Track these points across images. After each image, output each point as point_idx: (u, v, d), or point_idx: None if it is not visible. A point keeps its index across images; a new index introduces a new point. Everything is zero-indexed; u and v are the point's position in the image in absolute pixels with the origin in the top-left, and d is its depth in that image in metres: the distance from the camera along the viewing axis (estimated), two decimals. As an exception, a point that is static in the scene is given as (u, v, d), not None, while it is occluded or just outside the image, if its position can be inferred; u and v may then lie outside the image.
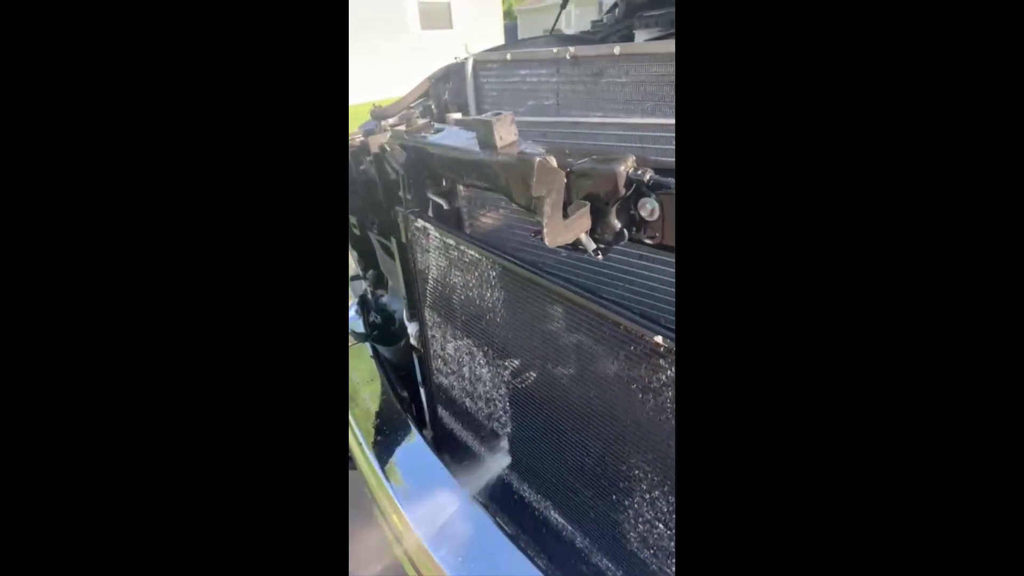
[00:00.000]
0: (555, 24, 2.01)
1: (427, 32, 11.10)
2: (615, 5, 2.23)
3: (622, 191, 0.52)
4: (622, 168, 0.51)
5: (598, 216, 0.56)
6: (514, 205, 0.98)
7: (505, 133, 0.73)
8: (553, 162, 0.56)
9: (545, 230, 0.52)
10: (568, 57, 0.83)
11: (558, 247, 0.75)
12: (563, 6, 1.97)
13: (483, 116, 0.73)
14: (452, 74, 1.11)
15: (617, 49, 0.75)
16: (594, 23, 2.02)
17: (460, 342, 0.96)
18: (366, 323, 1.54)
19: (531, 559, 0.85)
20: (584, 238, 0.57)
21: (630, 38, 1.72)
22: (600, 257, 0.57)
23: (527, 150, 0.60)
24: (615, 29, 1.82)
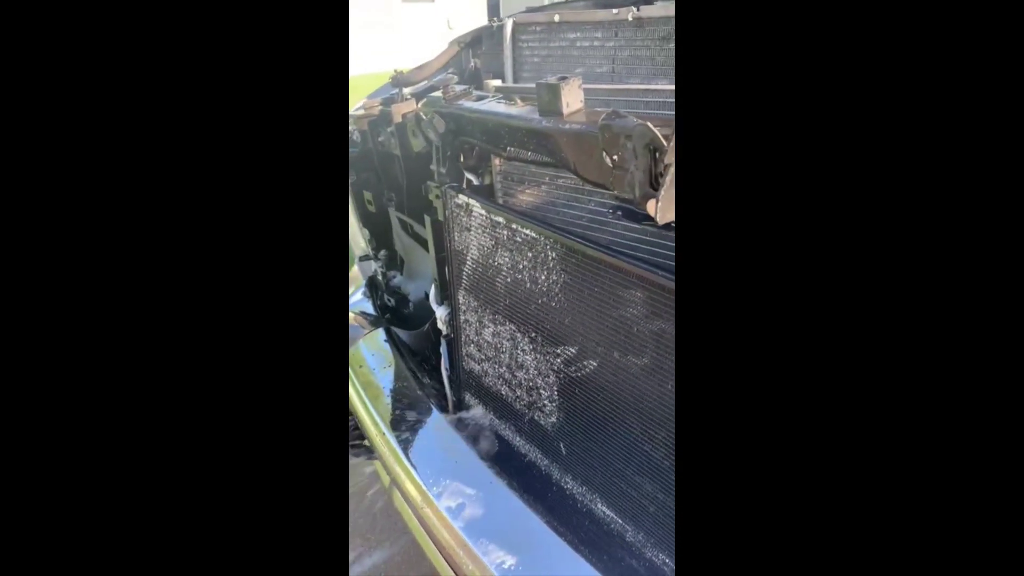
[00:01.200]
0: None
1: (408, 5, 10.72)
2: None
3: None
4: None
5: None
6: (560, 181, 0.92)
7: (573, 99, 0.66)
8: (654, 129, 0.50)
9: (660, 204, 0.46)
10: (630, 19, 0.76)
11: (629, 223, 0.69)
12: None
13: (547, 80, 0.66)
14: (485, 38, 1.02)
15: (693, 10, 0.69)
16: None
17: (501, 327, 0.90)
18: (375, 305, 1.46)
19: (573, 547, 0.81)
20: (686, 215, 0.51)
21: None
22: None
23: (618, 118, 0.54)
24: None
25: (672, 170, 0.45)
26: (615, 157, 0.56)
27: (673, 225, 0.55)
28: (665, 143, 0.50)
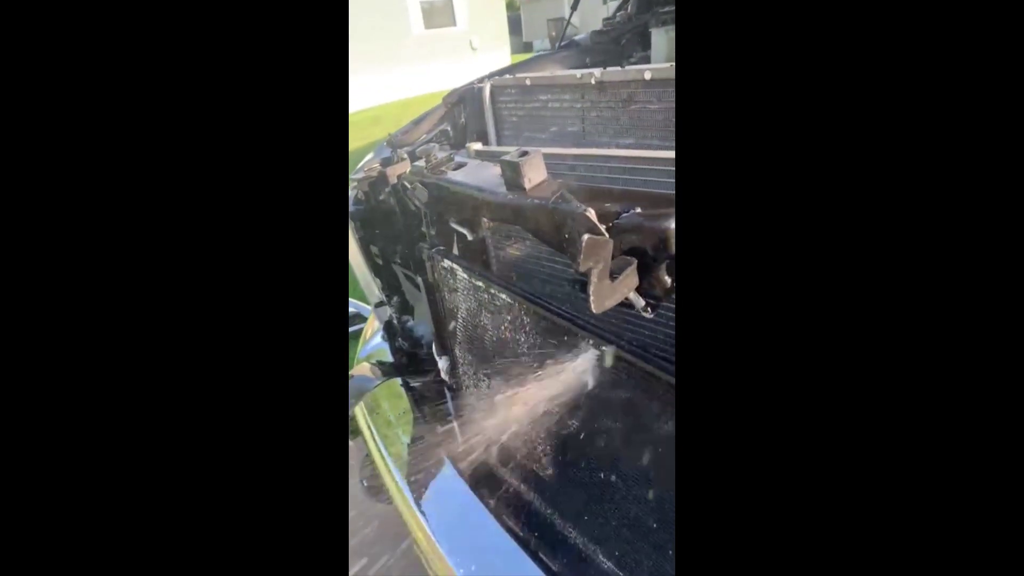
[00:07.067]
0: (563, 31, 1.96)
1: (431, 31, 11.03)
2: (625, 1, 2.16)
3: (673, 250, 0.48)
4: (674, 225, 0.47)
5: (646, 271, 0.52)
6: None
7: (534, 174, 0.69)
8: (593, 217, 0.52)
9: (592, 298, 0.47)
10: (593, 83, 0.78)
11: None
12: (573, 8, 1.92)
13: (509, 155, 0.69)
14: (468, 99, 1.06)
15: (648, 74, 0.70)
16: (605, 21, 1.96)
17: (495, 382, 0.92)
18: (393, 349, 1.51)
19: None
20: (633, 296, 0.52)
21: (645, 35, 1.65)
22: (650, 314, 0.53)
23: (563, 202, 0.56)
24: (630, 27, 1.75)
25: (595, 271, 0.47)
26: (567, 235, 0.58)
27: (626, 303, 0.56)
28: (603, 230, 0.51)
